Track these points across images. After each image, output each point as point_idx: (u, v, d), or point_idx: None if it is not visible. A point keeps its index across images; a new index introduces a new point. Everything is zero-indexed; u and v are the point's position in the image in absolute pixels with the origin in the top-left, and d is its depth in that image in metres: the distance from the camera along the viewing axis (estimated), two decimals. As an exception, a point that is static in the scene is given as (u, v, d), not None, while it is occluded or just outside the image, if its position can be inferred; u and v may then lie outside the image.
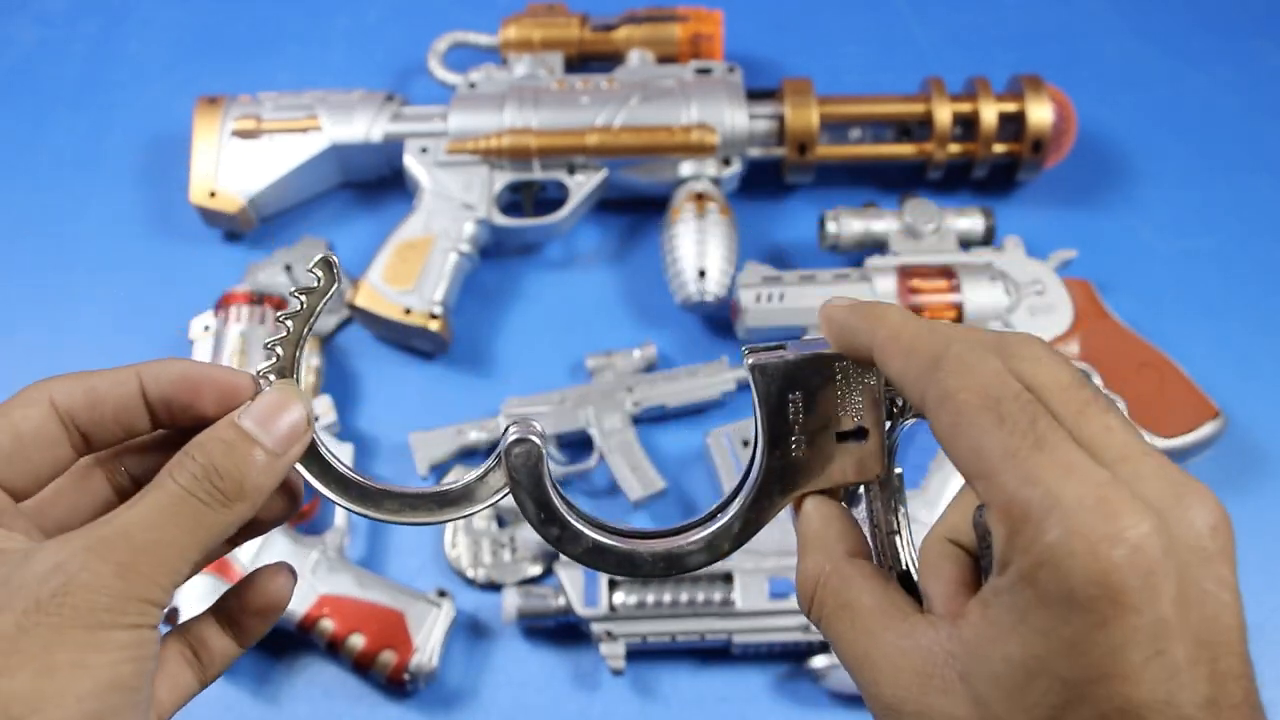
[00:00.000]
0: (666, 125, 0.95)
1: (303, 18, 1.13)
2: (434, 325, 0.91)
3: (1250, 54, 1.11)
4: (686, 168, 0.96)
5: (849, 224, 0.94)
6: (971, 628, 0.32)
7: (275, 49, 1.11)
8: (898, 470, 0.40)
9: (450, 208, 0.94)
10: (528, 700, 0.83)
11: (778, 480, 0.39)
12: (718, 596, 0.80)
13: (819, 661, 0.79)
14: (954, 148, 0.98)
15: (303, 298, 0.40)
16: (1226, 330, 0.96)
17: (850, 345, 0.38)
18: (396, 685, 0.80)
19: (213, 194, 0.96)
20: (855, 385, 0.39)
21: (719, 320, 0.96)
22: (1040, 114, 0.96)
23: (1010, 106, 0.97)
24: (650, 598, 0.80)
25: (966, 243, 0.95)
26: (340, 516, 0.86)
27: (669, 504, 0.89)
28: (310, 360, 0.90)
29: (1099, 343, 0.90)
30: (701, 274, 0.91)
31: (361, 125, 0.97)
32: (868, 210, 0.95)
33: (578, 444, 0.90)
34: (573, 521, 0.41)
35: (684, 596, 0.80)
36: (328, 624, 0.79)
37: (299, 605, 0.80)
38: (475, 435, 0.89)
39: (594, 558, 0.41)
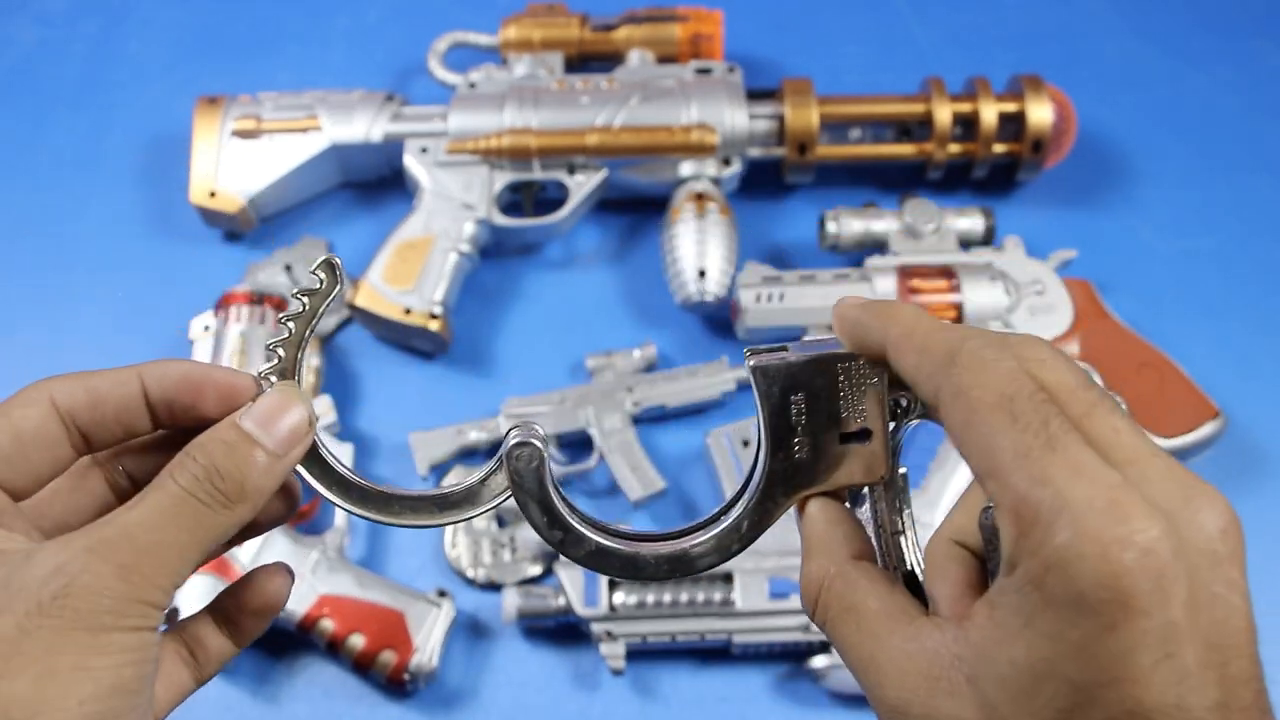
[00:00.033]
0: (666, 125, 0.95)
1: (303, 18, 1.13)
2: (434, 325, 0.91)
3: (1250, 54, 1.11)
4: (686, 168, 0.96)
5: (849, 224, 0.94)
6: (978, 630, 0.32)
7: (275, 49, 1.11)
8: (902, 470, 0.40)
9: (450, 208, 0.94)
10: (528, 700, 0.83)
11: (781, 482, 0.39)
12: (718, 596, 0.80)
13: (819, 661, 0.79)
14: (954, 148, 0.98)
15: (305, 299, 0.40)
16: (1226, 330, 0.96)
17: (863, 343, 0.38)
18: (396, 685, 0.80)
19: (213, 194, 0.96)
20: (858, 386, 0.38)
21: (719, 320, 0.96)
22: (1040, 114, 0.96)
23: (1010, 106, 0.97)
24: (650, 598, 0.80)
25: (966, 243, 0.95)
26: (340, 517, 0.86)
27: (669, 504, 0.89)
28: (310, 360, 0.90)
29: (1099, 343, 0.90)
30: (701, 274, 0.91)
31: (361, 125, 0.97)
32: (868, 210, 0.95)
33: (578, 444, 0.90)
34: (575, 524, 0.41)
35: (684, 596, 0.80)
36: (328, 624, 0.79)
37: (299, 605, 0.80)
38: (475, 435, 0.89)
39: (597, 560, 0.41)
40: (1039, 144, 0.97)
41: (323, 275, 0.40)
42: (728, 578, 0.80)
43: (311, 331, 0.40)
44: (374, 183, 1.02)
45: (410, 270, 0.92)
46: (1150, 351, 0.90)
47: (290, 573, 0.43)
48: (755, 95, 0.98)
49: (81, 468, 0.40)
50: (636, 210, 1.01)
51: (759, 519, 0.40)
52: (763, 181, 1.01)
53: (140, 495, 0.37)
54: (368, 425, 0.92)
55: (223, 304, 0.90)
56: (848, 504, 0.40)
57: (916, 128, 1.00)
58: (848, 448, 0.39)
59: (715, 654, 0.83)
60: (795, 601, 0.79)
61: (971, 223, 0.95)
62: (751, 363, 0.39)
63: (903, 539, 0.40)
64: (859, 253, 0.95)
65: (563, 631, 0.83)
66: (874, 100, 1.00)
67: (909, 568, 0.39)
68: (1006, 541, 0.31)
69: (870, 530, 0.40)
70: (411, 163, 0.96)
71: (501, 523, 0.87)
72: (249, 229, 0.99)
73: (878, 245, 0.94)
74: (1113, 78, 1.10)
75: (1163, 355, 0.89)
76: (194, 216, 0.98)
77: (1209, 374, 0.90)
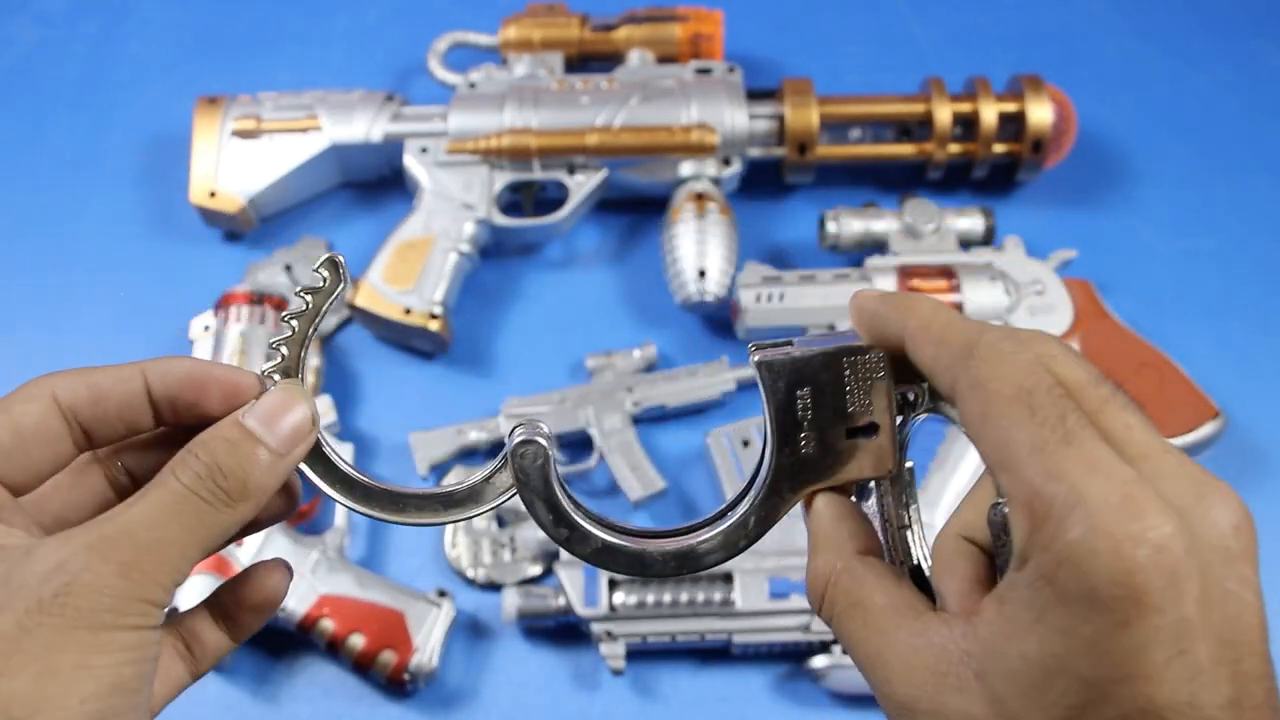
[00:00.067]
0: (666, 125, 0.95)
1: (303, 18, 1.13)
2: (434, 325, 0.91)
3: (1250, 54, 1.11)
4: (686, 168, 0.96)
5: (849, 224, 0.94)
6: (987, 625, 0.32)
7: (275, 49, 1.11)
8: (909, 465, 0.40)
9: (450, 208, 0.94)
10: (528, 700, 0.83)
11: (788, 477, 0.39)
12: (718, 596, 0.80)
13: (819, 661, 0.79)
14: (954, 148, 0.98)
15: (308, 297, 0.40)
16: (1226, 330, 0.96)
17: (880, 334, 0.38)
18: (396, 685, 0.80)
19: (213, 194, 0.96)
20: (865, 380, 0.38)
21: (719, 320, 0.96)
22: (1040, 114, 0.96)
23: (1010, 106, 0.97)
24: (650, 598, 0.80)
25: (966, 243, 0.95)
26: (340, 516, 0.86)
27: (669, 504, 0.89)
28: (310, 360, 0.90)
29: (1099, 343, 0.90)
30: (701, 274, 0.91)
31: (361, 125, 0.97)
32: (868, 210, 0.95)
33: (578, 444, 0.90)
34: (581, 522, 0.40)
35: (684, 596, 0.80)
36: (328, 624, 0.79)
37: (299, 605, 0.80)
38: (475, 435, 0.89)
39: (603, 558, 0.40)
40: (1039, 144, 0.97)
41: (326, 273, 0.40)
42: (728, 578, 0.80)
43: (315, 329, 0.40)
44: (374, 183, 1.02)
45: (410, 270, 0.92)
46: (1150, 351, 0.90)
47: (289, 569, 0.43)
48: (755, 95, 0.98)
49: (81, 464, 0.40)
50: (636, 210, 1.01)
51: (766, 514, 0.40)
52: (763, 181, 1.01)
53: (142, 492, 0.37)
54: (368, 425, 0.92)
55: (223, 304, 0.90)
56: (853, 498, 0.40)
57: (916, 128, 1.00)
58: (855, 442, 0.39)
59: (715, 654, 0.83)
60: (795, 601, 0.79)
61: (971, 223, 0.95)
62: (756, 358, 0.38)
63: (909, 534, 0.39)
64: (859, 253, 0.95)
65: (563, 631, 0.83)
66: (874, 100, 1.00)
67: (915, 563, 0.39)
68: (1019, 536, 0.31)
69: (876, 524, 0.40)
70: (411, 163, 0.96)
71: (501, 523, 0.87)
72: (249, 229, 0.99)
73: (878, 245, 0.94)
74: (1113, 78, 1.10)
75: (1163, 355, 0.89)
76: (194, 216, 0.98)
77: (1209, 374, 0.90)
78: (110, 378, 0.39)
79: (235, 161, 0.96)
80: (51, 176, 1.04)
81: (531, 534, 0.84)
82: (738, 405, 0.92)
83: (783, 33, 1.13)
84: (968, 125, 0.98)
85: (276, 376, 0.40)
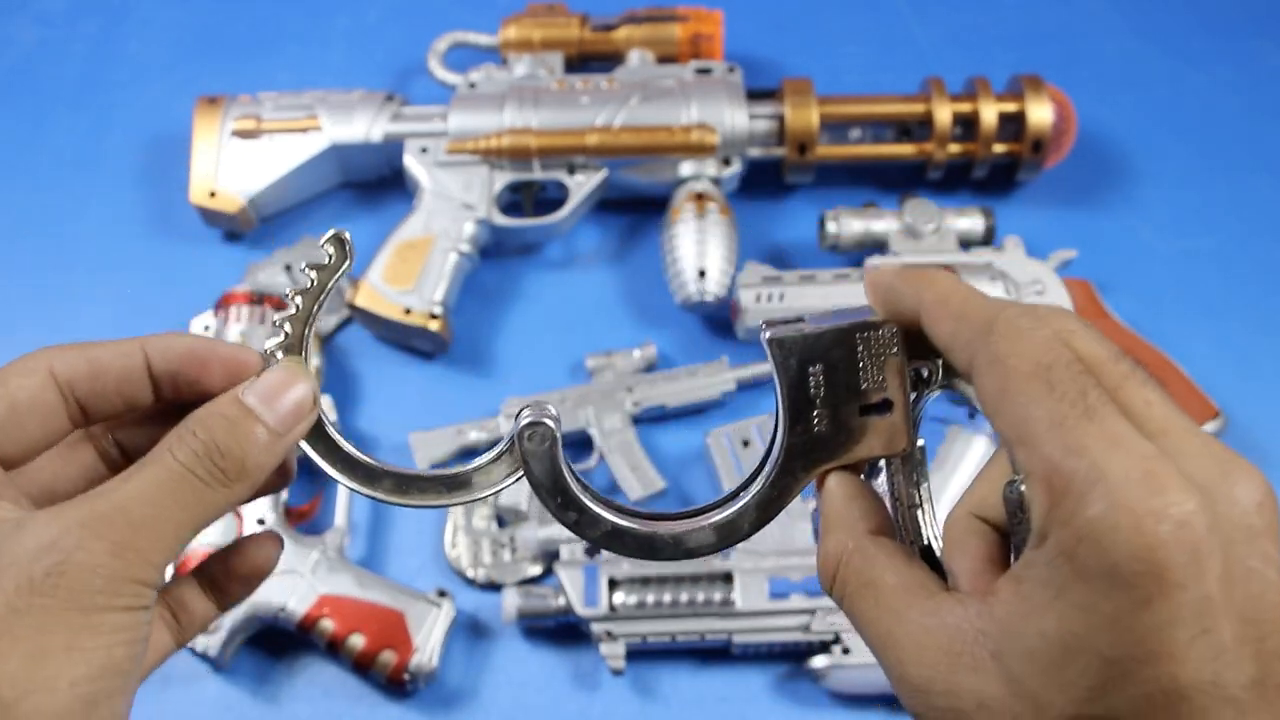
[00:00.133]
0: (666, 125, 0.95)
1: (303, 18, 1.13)
2: (434, 325, 0.91)
3: (1250, 54, 1.11)
4: (686, 168, 0.96)
5: (849, 224, 0.94)
6: (1004, 604, 0.31)
7: (275, 49, 1.11)
8: (920, 443, 0.39)
9: (450, 208, 0.94)
10: (528, 700, 0.82)
11: (800, 456, 0.38)
12: (718, 596, 0.80)
13: (819, 661, 0.79)
14: (954, 148, 0.98)
15: (313, 274, 0.39)
16: (1226, 330, 0.96)
17: (897, 309, 0.37)
18: (396, 685, 0.80)
19: (213, 194, 0.96)
20: (877, 357, 0.38)
21: (719, 320, 0.96)
22: (1040, 114, 0.96)
23: (1010, 106, 0.97)
24: (650, 598, 0.80)
25: (966, 243, 0.95)
26: (341, 516, 0.86)
27: (669, 504, 0.89)
28: (313, 360, 0.90)
29: (1099, 343, 0.89)
30: (701, 274, 0.91)
31: (361, 125, 0.97)
32: (868, 210, 0.95)
33: (578, 444, 0.90)
34: (590, 505, 0.39)
35: (684, 596, 0.80)
36: (328, 624, 0.79)
37: (299, 605, 0.80)
38: (475, 435, 0.89)
39: (613, 542, 0.39)
40: (1039, 144, 0.97)
41: (331, 250, 0.38)
42: (727, 578, 0.80)
43: (320, 308, 0.39)
44: (374, 183, 1.02)
45: (410, 270, 0.92)
46: (1150, 351, 0.90)
47: (280, 540, 0.43)
48: (755, 95, 0.98)
49: (73, 436, 0.40)
50: (636, 210, 1.01)
51: (778, 495, 0.39)
52: (763, 181, 1.01)
53: (136, 468, 0.36)
54: (368, 425, 0.92)
55: (223, 304, 0.90)
56: (863, 477, 0.39)
57: (916, 128, 1.00)
58: (868, 420, 0.38)
59: (715, 654, 0.83)
60: (795, 602, 0.79)
61: (971, 223, 0.95)
62: (768, 334, 0.38)
63: (920, 513, 0.39)
64: (859, 253, 0.95)
65: (563, 631, 0.83)
66: (874, 100, 1.00)
67: (926, 542, 0.39)
68: (1037, 512, 0.30)
69: (886, 504, 0.39)
70: (411, 163, 0.96)
71: (501, 522, 0.87)
72: (249, 229, 0.99)
73: (878, 245, 0.94)
74: (1113, 78, 1.10)
75: (1163, 355, 0.89)
76: (194, 216, 0.98)
77: (1209, 374, 0.90)
78: (110, 352, 0.38)
79: (235, 161, 0.96)
80: (51, 176, 1.04)
81: (531, 534, 0.84)
82: (738, 405, 0.92)
83: (783, 33, 1.13)
84: (968, 125, 0.98)
85: (279, 354, 0.39)
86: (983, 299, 0.35)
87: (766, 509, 0.39)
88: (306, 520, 0.86)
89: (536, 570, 0.85)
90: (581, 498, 0.39)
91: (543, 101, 0.96)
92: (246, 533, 0.81)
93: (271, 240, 1.00)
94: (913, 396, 0.38)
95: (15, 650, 0.32)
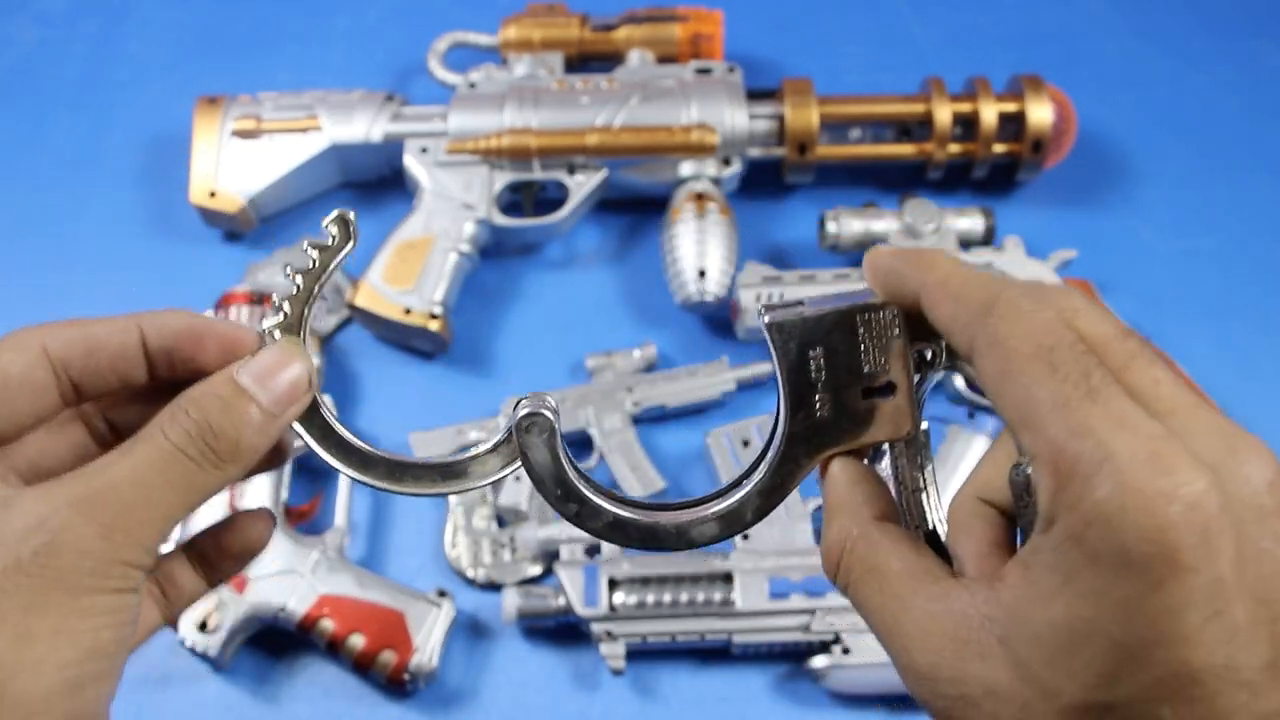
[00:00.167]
0: (666, 125, 0.95)
1: (303, 18, 1.13)
2: (434, 325, 0.91)
3: (1250, 54, 1.11)
4: (686, 168, 0.96)
5: (849, 224, 0.94)
6: (1011, 590, 0.31)
7: (275, 49, 1.11)
8: (924, 426, 0.38)
9: (450, 208, 0.94)
10: (528, 700, 0.82)
11: (803, 442, 0.37)
12: (718, 596, 0.80)
13: (819, 661, 0.79)
14: (954, 148, 0.98)
15: (315, 254, 0.38)
16: (1226, 330, 0.96)
17: (897, 291, 0.37)
18: (396, 685, 0.80)
19: (213, 194, 0.96)
20: (879, 339, 0.37)
21: (719, 320, 0.96)
22: (1040, 114, 0.96)
23: (1010, 106, 0.97)
24: (650, 598, 0.80)
25: (966, 243, 0.95)
26: (341, 516, 0.86)
27: (669, 504, 0.88)
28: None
29: (1099, 343, 0.89)
30: (701, 274, 0.91)
31: (361, 125, 0.97)
32: (868, 210, 0.95)
33: (578, 444, 0.90)
34: (591, 496, 0.39)
35: (684, 596, 0.80)
36: (328, 624, 0.79)
37: (299, 605, 0.80)
38: (475, 435, 0.89)
39: (614, 533, 0.39)
40: (1039, 144, 0.97)
41: (335, 230, 0.38)
42: (727, 578, 0.80)
43: (321, 287, 0.38)
44: (374, 183, 1.02)
45: (410, 270, 0.92)
46: (1150, 351, 0.89)
47: (273, 518, 0.42)
48: (755, 95, 0.98)
49: (65, 414, 0.39)
50: (636, 210, 1.01)
51: (780, 482, 0.38)
52: (763, 181, 1.01)
53: (127, 447, 0.35)
54: (368, 425, 0.92)
55: (222, 304, 0.90)
56: (866, 461, 0.39)
57: (916, 128, 1.00)
58: (872, 403, 0.37)
59: (715, 654, 0.83)
60: (795, 602, 0.79)
61: (971, 223, 0.95)
62: (766, 319, 0.37)
63: (925, 496, 0.38)
64: (859, 253, 0.94)
65: (563, 631, 0.83)
66: (874, 100, 1.00)
67: (931, 526, 0.38)
68: (1043, 496, 0.30)
69: (891, 488, 0.38)
70: (411, 163, 0.96)
71: (501, 522, 0.87)
72: (249, 229, 0.99)
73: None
74: (1113, 78, 1.10)
75: (1163, 355, 0.89)
76: (194, 216, 0.98)
77: (1209, 374, 0.90)
78: (105, 329, 0.37)
79: (235, 161, 0.96)
80: (51, 176, 1.04)
81: (531, 534, 0.84)
82: (738, 405, 0.92)
83: (783, 33, 1.13)
84: (968, 125, 0.98)
85: (276, 333, 0.38)
86: (983, 279, 0.34)
87: (769, 497, 0.38)
88: (306, 520, 0.86)
89: (536, 570, 0.85)
90: (582, 489, 0.39)
91: (543, 101, 0.96)
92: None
93: (271, 240, 1.00)
94: (916, 378, 0.38)
95: (1, 632, 0.32)
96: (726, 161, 0.97)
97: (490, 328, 0.96)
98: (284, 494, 0.84)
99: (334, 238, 0.38)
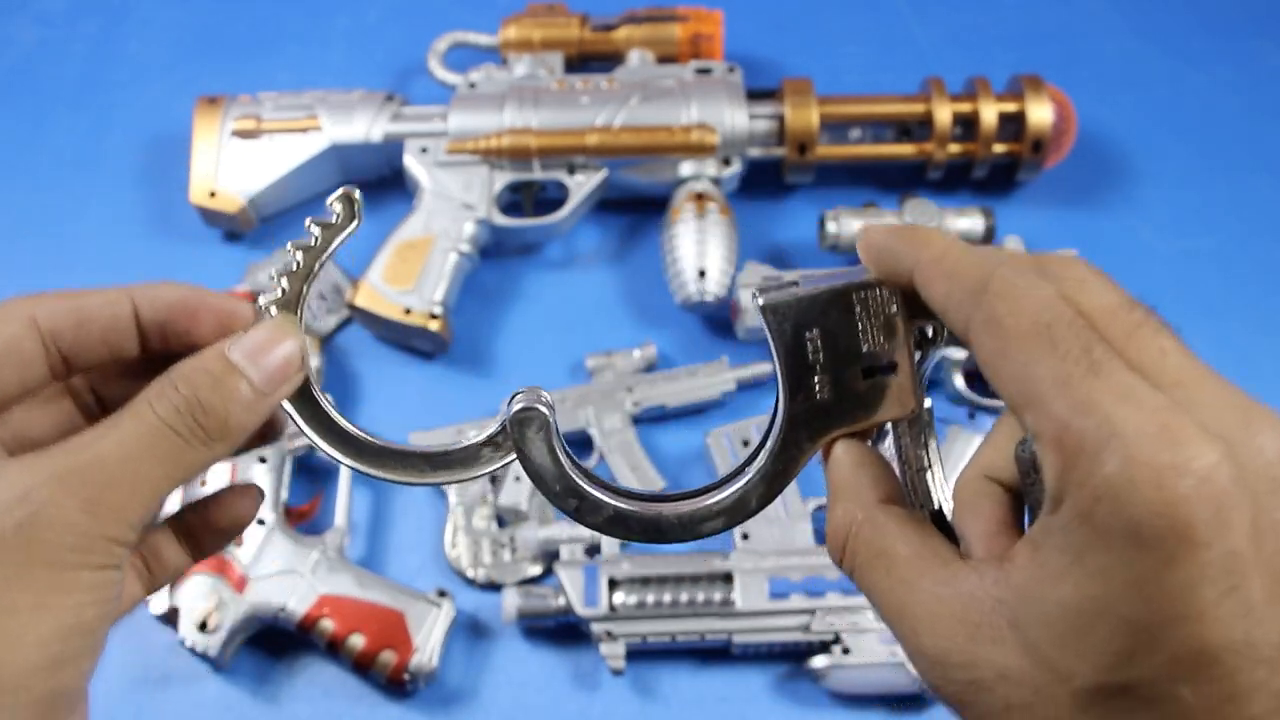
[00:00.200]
0: (666, 125, 0.95)
1: (303, 18, 1.13)
2: (434, 325, 0.91)
3: (1250, 54, 1.11)
4: (686, 168, 0.96)
5: (849, 224, 0.94)
6: (1020, 571, 0.30)
7: (275, 49, 1.11)
8: (927, 404, 0.38)
9: (450, 208, 0.94)
10: (528, 700, 0.82)
11: (804, 425, 0.36)
12: (718, 596, 0.80)
13: (819, 661, 0.79)
14: (954, 148, 0.98)
15: (318, 231, 0.37)
16: (1226, 330, 0.96)
17: (890, 270, 0.36)
18: (396, 685, 0.80)
19: (213, 194, 0.96)
20: (877, 317, 0.36)
21: (719, 320, 0.96)
22: (1040, 114, 0.96)
23: (1010, 106, 0.97)
24: (650, 598, 0.80)
25: (966, 243, 0.94)
26: (341, 516, 0.85)
27: (669, 504, 0.88)
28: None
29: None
30: (701, 274, 0.91)
31: (361, 125, 0.97)
32: (868, 210, 0.95)
33: (578, 444, 0.90)
34: (591, 490, 0.38)
35: (684, 596, 0.80)
36: (328, 624, 0.79)
37: (299, 605, 0.80)
38: (475, 435, 0.89)
39: (616, 526, 0.38)
40: (1039, 144, 0.97)
41: (339, 208, 0.37)
42: (727, 578, 0.80)
43: (321, 266, 0.37)
44: (374, 183, 1.02)
45: (410, 270, 0.92)
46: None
47: (261, 493, 0.42)
48: (755, 95, 0.98)
49: (52, 387, 0.38)
50: (636, 210, 1.01)
51: (784, 468, 0.37)
52: (763, 181, 1.01)
53: (114, 420, 0.35)
54: (368, 425, 0.90)
55: (223, 304, 0.90)
56: (869, 442, 0.38)
57: (916, 128, 1.00)
58: (873, 382, 0.36)
59: (715, 654, 0.83)
60: (795, 602, 0.79)
61: (971, 223, 0.95)
62: (761, 301, 0.36)
63: (929, 475, 0.37)
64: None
65: (563, 631, 0.83)
66: (874, 100, 1.00)
67: (937, 506, 0.37)
68: (1050, 475, 0.29)
69: (895, 468, 0.38)
70: (411, 163, 0.96)
71: (501, 522, 0.87)
72: (249, 229, 0.99)
73: (878, 245, 0.94)
74: (1113, 78, 1.10)
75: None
76: (194, 216, 0.98)
77: (1209, 374, 0.90)
78: (97, 301, 0.37)
79: (235, 161, 0.96)
80: (51, 176, 1.04)
81: (531, 534, 0.84)
82: (738, 405, 0.92)
83: (783, 33, 1.13)
84: (968, 125, 0.98)
85: (273, 309, 0.37)
86: (978, 256, 0.33)
87: (773, 483, 0.37)
88: (306, 520, 0.86)
89: (536, 570, 0.85)
90: (582, 483, 0.38)
91: (543, 101, 0.96)
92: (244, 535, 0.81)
93: (271, 240, 1.00)
94: (917, 356, 0.37)
95: None
96: (726, 161, 0.97)
97: (490, 328, 0.96)
98: (284, 494, 0.84)
99: (338, 216, 0.37)
